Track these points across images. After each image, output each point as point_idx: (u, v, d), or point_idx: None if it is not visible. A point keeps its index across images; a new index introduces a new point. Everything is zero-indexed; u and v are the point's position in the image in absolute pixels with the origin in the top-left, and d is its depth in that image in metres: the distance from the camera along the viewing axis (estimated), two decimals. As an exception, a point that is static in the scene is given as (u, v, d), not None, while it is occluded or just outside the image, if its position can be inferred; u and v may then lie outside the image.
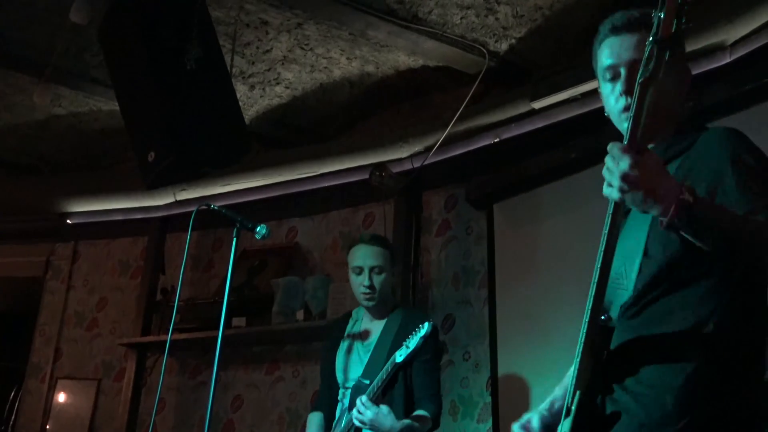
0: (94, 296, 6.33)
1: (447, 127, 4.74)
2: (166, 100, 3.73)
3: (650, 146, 1.77)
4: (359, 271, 3.43)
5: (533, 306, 4.55)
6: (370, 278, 3.40)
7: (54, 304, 6.39)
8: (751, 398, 1.65)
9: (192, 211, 3.35)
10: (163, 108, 3.74)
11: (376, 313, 3.46)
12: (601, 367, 1.70)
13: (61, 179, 6.28)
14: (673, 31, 1.55)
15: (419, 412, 3.14)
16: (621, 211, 1.66)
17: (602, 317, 1.73)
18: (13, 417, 6.53)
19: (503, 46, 4.62)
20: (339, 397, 3.43)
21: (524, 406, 4.49)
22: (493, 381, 4.65)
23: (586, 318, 1.69)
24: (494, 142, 4.68)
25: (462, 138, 4.77)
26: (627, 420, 1.64)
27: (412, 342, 3.15)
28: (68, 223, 6.19)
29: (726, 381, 1.62)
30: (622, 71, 1.83)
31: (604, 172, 1.57)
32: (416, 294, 5.06)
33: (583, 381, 1.68)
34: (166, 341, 3.40)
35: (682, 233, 1.55)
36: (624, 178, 1.51)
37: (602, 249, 1.66)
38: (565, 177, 4.61)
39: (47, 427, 6.02)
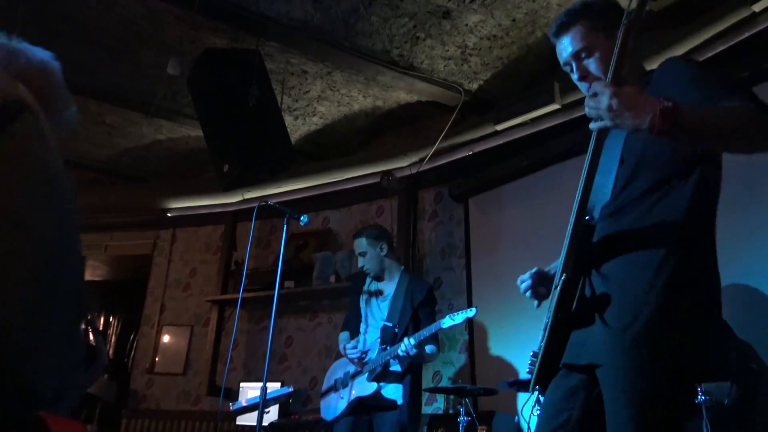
0: (187, 267, 6.33)
1: (435, 144, 4.72)
2: (235, 128, 3.72)
3: None
4: (357, 257, 3.49)
5: (498, 270, 4.53)
6: (361, 261, 3.46)
7: (159, 273, 6.40)
8: (710, 282, 1.47)
9: (255, 207, 3.33)
10: (233, 133, 3.73)
11: (380, 278, 3.45)
12: (584, 257, 1.55)
13: (163, 185, 6.28)
14: None
15: (429, 349, 3.18)
16: (601, 143, 1.50)
17: (586, 218, 1.58)
18: (133, 352, 6.56)
19: (474, 86, 4.59)
20: (361, 331, 3.41)
21: (492, 341, 4.48)
22: (470, 324, 4.64)
23: (571, 221, 1.54)
24: (469, 155, 4.66)
25: (446, 152, 4.75)
26: (609, 299, 1.47)
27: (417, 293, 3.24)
28: (168, 216, 6.20)
29: (690, 266, 1.44)
30: (573, 64, 1.68)
31: (590, 111, 1.39)
32: (414, 263, 5.05)
33: (568, 267, 1.55)
34: (238, 298, 3.39)
35: (677, 136, 1.34)
36: (609, 108, 1.34)
37: (585, 169, 1.51)
38: (520, 178, 4.59)
39: (156, 359, 6.04)
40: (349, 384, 3.26)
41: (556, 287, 1.56)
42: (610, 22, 1.60)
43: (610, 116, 1.35)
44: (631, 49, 1.44)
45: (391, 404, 3.14)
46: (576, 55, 1.66)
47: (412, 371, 3.20)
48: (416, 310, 3.26)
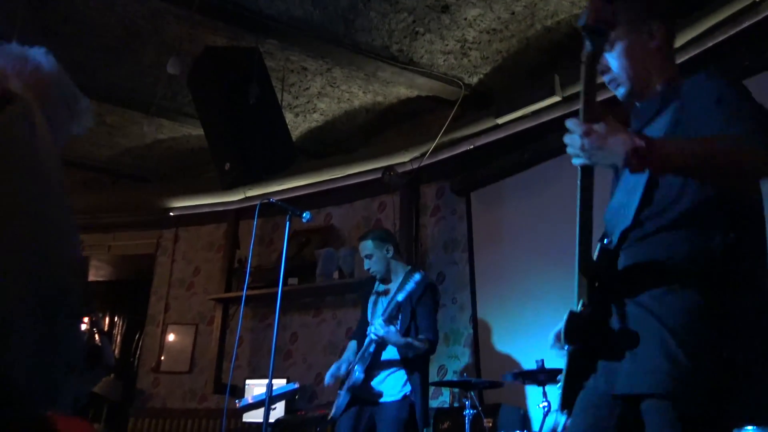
0: (191, 266, 6.34)
1: (436, 139, 4.71)
2: (236, 126, 3.72)
3: (640, 103, 1.54)
4: (363, 259, 3.48)
5: (500, 264, 4.53)
6: (367, 263, 3.44)
7: (163, 272, 6.41)
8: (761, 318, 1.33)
9: (257, 204, 3.33)
10: (234, 132, 3.73)
11: (386, 279, 3.45)
12: (610, 285, 1.44)
13: (165, 184, 6.29)
14: (595, 19, 1.26)
15: (420, 337, 3.14)
16: (587, 175, 1.38)
17: (605, 241, 1.49)
18: (138, 352, 6.58)
19: (474, 80, 4.58)
20: (367, 332, 3.43)
21: (496, 334, 4.48)
22: (474, 318, 4.65)
23: (577, 251, 1.43)
24: (470, 149, 4.65)
25: (447, 146, 4.75)
26: (642, 326, 1.36)
27: (408, 285, 3.15)
28: (171, 215, 6.21)
29: (730, 298, 1.31)
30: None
31: (568, 149, 1.34)
32: (417, 258, 5.05)
33: (582, 293, 1.45)
34: (242, 296, 3.39)
35: (659, 172, 1.30)
36: (581, 147, 1.29)
37: (578, 203, 1.40)
38: (521, 172, 4.58)
39: (162, 358, 6.06)
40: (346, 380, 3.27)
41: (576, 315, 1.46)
42: (633, 15, 1.51)
43: (584, 155, 1.30)
44: (628, 68, 1.43)
45: (377, 395, 3.12)
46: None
47: (413, 366, 3.17)
48: (414, 305, 3.25)
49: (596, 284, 1.45)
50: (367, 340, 3.18)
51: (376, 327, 3.06)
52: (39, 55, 1.16)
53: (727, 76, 1.45)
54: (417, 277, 3.20)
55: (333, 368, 3.31)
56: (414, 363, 3.18)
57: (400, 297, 3.15)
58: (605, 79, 1.59)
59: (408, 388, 3.14)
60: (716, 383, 1.27)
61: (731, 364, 1.27)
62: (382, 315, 3.13)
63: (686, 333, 1.29)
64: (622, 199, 1.51)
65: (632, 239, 1.46)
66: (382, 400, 3.10)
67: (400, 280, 3.36)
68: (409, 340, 3.10)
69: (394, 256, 3.45)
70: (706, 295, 1.31)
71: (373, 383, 3.14)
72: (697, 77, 1.46)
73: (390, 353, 3.19)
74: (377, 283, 3.51)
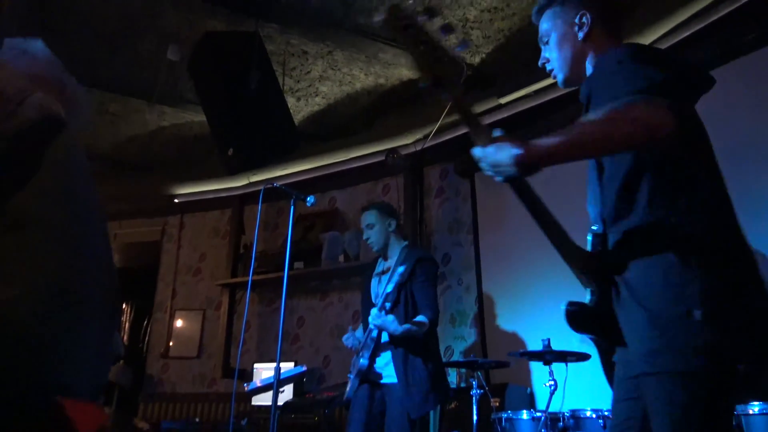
0: (197, 252, 6.37)
1: (438, 120, 4.68)
2: (238, 112, 3.71)
3: (580, 87, 1.62)
4: (363, 230, 3.43)
5: (505, 245, 4.53)
6: (366, 233, 3.38)
7: (169, 259, 6.45)
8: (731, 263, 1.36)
9: (261, 189, 3.33)
10: (236, 117, 3.72)
11: (385, 255, 3.40)
12: (599, 262, 1.51)
13: (169, 172, 6.30)
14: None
15: (418, 318, 3.06)
16: (516, 187, 1.53)
17: (594, 227, 1.55)
18: (146, 338, 6.64)
19: (477, 59, 4.55)
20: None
21: (501, 314, 4.50)
22: (479, 298, 4.66)
23: (559, 253, 1.55)
24: (473, 129, 4.63)
25: (450, 127, 4.73)
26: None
27: (402, 266, 3.13)
28: (176, 202, 6.23)
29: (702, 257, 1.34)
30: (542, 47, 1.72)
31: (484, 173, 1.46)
32: (422, 240, 5.05)
33: (586, 282, 1.53)
34: (248, 281, 3.40)
35: (551, 165, 1.33)
36: (486, 170, 1.41)
37: (529, 212, 1.60)
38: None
39: (170, 344, 6.11)
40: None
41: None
42: (561, 6, 1.64)
43: (495, 175, 1.40)
44: (564, 59, 1.58)
45: (377, 377, 3.10)
46: (541, 40, 1.69)
47: (420, 348, 3.09)
48: (410, 283, 3.17)
49: (598, 270, 1.50)
50: (369, 328, 3.18)
51: (373, 316, 3.02)
52: (36, 47, 1.17)
53: (634, 44, 1.53)
54: (412, 253, 3.20)
55: (348, 335, 3.30)
56: (414, 344, 3.09)
57: (395, 279, 3.11)
58: (547, 68, 1.71)
59: (410, 371, 3.03)
60: (687, 355, 1.29)
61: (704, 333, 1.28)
62: (376, 301, 3.09)
63: (659, 312, 1.33)
64: (594, 188, 1.59)
65: (610, 223, 1.51)
66: (389, 381, 3.07)
67: (396, 256, 3.34)
68: (407, 327, 3.02)
69: (395, 232, 3.40)
70: (676, 267, 1.33)
71: (378, 366, 3.13)
72: (611, 50, 1.54)
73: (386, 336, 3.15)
74: (378, 263, 3.51)
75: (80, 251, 0.86)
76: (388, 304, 3.06)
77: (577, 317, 1.50)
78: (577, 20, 1.63)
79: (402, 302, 3.14)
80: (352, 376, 3.22)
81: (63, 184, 0.88)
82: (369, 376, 3.14)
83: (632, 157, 1.44)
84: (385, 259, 3.43)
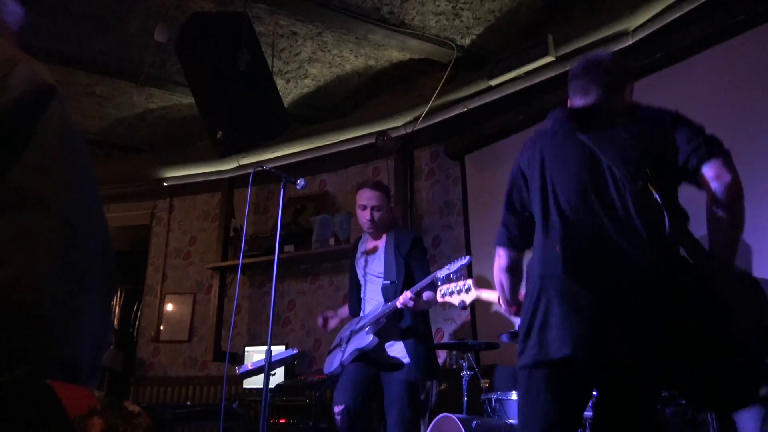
0: (186, 236, 6.36)
1: (429, 102, 4.68)
2: (227, 94, 3.68)
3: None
4: (363, 207, 3.34)
5: (495, 227, 4.53)
6: (372, 214, 3.31)
7: (159, 242, 6.43)
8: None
9: (251, 172, 3.30)
10: (225, 99, 3.69)
11: (375, 235, 3.42)
12: None
13: (157, 154, 6.26)
14: None
15: (426, 297, 3.18)
16: None
17: None
18: (137, 322, 6.64)
19: (467, 41, 4.53)
20: (362, 296, 3.42)
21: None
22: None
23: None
24: (463, 111, 4.62)
25: (440, 109, 4.72)
26: None
27: (396, 242, 3.30)
28: (165, 185, 6.19)
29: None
30: None
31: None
32: (413, 223, 5.07)
33: None
34: (238, 264, 3.39)
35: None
36: None
37: None
38: (515, 134, 4.56)
39: (161, 328, 6.12)
40: (350, 339, 3.28)
41: None
42: None
43: None
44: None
45: (397, 363, 3.12)
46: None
47: (419, 329, 3.18)
48: (406, 260, 3.25)
49: None
50: (383, 307, 3.16)
51: (406, 298, 3.03)
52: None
53: None
54: (405, 234, 3.30)
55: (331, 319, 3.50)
56: (417, 325, 3.18)
57: (395, 253, 3.22)
58: None
59: (416, 351, 3.13)
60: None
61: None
62: (412, 289, 3.08)
63: None
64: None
65: None
66: (396, 361, 3.12)
67: (385, 237, 3.36)
68: (426, 298, 3.16)
69: (392, 215, 3.48)
70: None
71: (387, 347, 3.17)
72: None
73: (400, 321, 3.19)
74: (360, 243, 3.51)
75: (80, 228, 0.85)
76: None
77: None
78: None
79: (402, 276, 3.23)
80: (342, 351, 3.21)
81: (60, 157, 0.85)
82: (375, 356, 3.16)
83: None
84: (377, 238, 3.43)
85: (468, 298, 2.78)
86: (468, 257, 3.05)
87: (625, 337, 1.54)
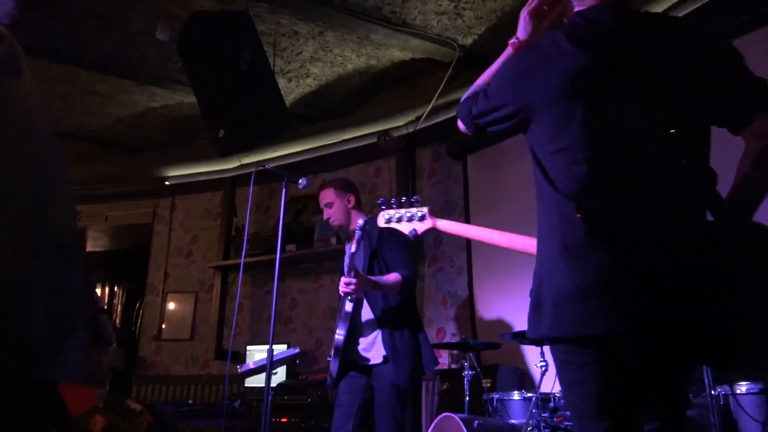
0: (188, 234, 6.36)
1: (431, 102, 4.68)
2: (228, 93, 3.68)
3: None
4: (323, 210, 3.24)
5: (497, 226, 4.52)
6: (326, 213, 3.22)
7: (161, 241, 6.44)
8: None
9: (253, 171, 3.31)
10: (227, 98, 3.69)
11: (348, 233, 3.22)
12: None
13: (159, 153, 6.26)
14: None
15: (391, 274, 2.93)
16: None
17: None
18: (139, 321, 6.65)
19: (469, 41, 4.53)
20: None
21: (492, 296, 4.53)
22: (470, 280, 4.69)
23: None
24: (465, 111, 4.61)
25: (442, 109, 4.72)
26: None
27: (367, 233, 2.96)
28: (167, 184, 6.20)
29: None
30: None
31: None
32: (414, 222, 5.06)
33: None
34: (240, 263, 3.40)
35: None
36: None
37: None
38: (518, 135, 4.55)
39: (163, 326, 6.12)
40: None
41: None
42: None
43: None
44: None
45: (364, 359, 2.94)
46: None
47: (402, 324, 2.94)
48: (377, 252, 3.02)
49: None
50: (342, 300, 2.95)
51: (342, 284, 2.80)
52: None
53: None
54: (374, 223, 2.85)
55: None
56: (394, 319, 2.94)
57: (363, 248, 2.97)
58: None
59: (398, 349, 2.88)
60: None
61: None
62: (346, 272, 2.86)
63: None
64: None
65: None
66: (376, 362, 2.91)
67: (358, 233, 2.98)
68: (377, 276, 2.89)
69: (356, 207, 3.24)
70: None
71: (363, 350, 2.96)
72: None
73: (368, 313, 2.98)
74: (347, 245, 3.29)
75: (45, 211, 0.82)
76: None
77: None
78: None
79: (376, 272, 2.99)
80: (331, 358, 3.04)
81: (20, 140, 0.80)
82: (356, 360, 2.97)
83: None
84: (349, 239, 3.25)
85: (421, 227, 2.25)
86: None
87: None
